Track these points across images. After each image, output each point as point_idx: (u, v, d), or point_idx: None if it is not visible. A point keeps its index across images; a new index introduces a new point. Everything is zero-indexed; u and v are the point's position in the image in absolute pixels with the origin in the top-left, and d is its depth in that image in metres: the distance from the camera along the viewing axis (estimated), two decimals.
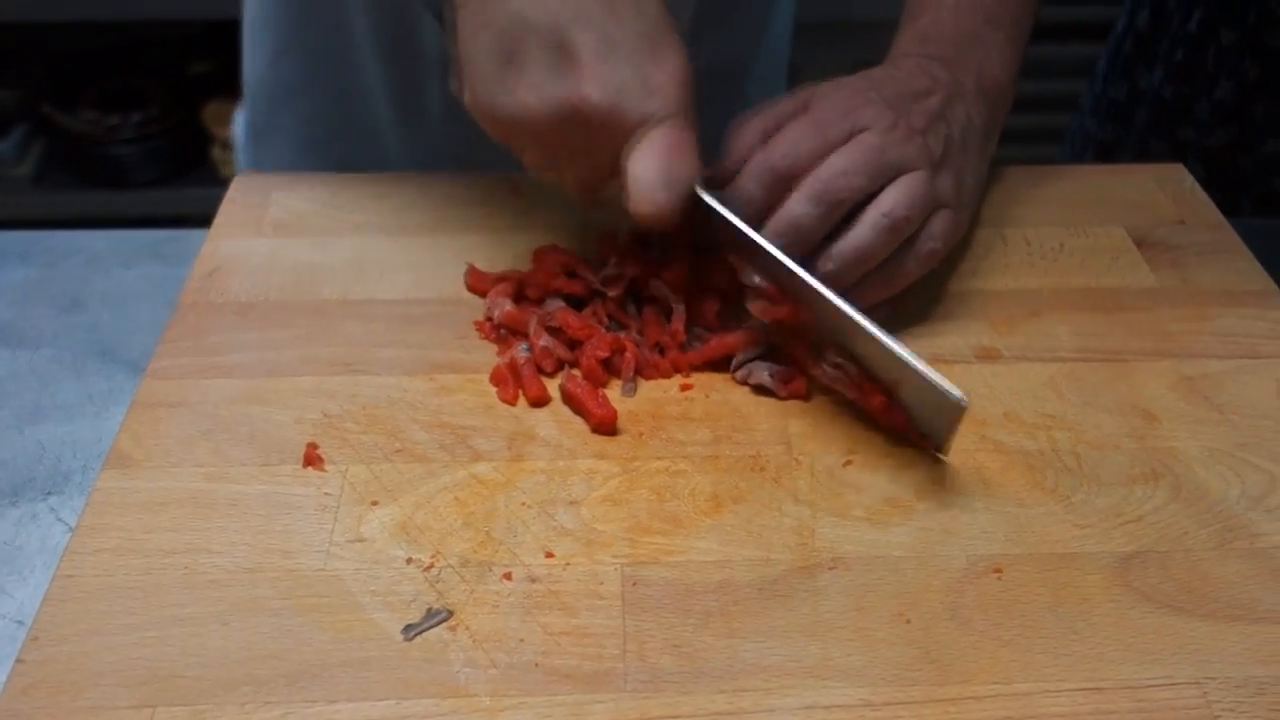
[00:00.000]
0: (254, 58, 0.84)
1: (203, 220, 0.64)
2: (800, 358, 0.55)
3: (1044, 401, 0.55)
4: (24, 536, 0.51)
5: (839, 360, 0.53)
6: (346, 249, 0.63)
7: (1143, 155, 0.94)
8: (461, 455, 0.51)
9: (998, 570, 0.47)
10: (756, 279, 0.55)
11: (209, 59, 2.11)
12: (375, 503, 0.49)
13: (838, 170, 0.54)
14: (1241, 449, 0.52)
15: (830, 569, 0.47)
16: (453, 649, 0.43)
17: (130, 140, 2.01)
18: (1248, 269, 0.63)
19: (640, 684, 0.42)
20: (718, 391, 0.55)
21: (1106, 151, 0.99)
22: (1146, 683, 0.43)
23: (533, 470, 0.51)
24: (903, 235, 0.55)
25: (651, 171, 0.51)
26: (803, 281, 0.52)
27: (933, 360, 0.56)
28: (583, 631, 0.44)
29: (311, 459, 0.51)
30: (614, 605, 0.45)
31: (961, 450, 0.52)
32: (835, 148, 0.55)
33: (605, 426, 0.52)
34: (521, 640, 0.44)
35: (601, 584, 0.46)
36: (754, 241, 0.53)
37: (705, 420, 0.54)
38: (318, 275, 0.61)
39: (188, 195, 1.99)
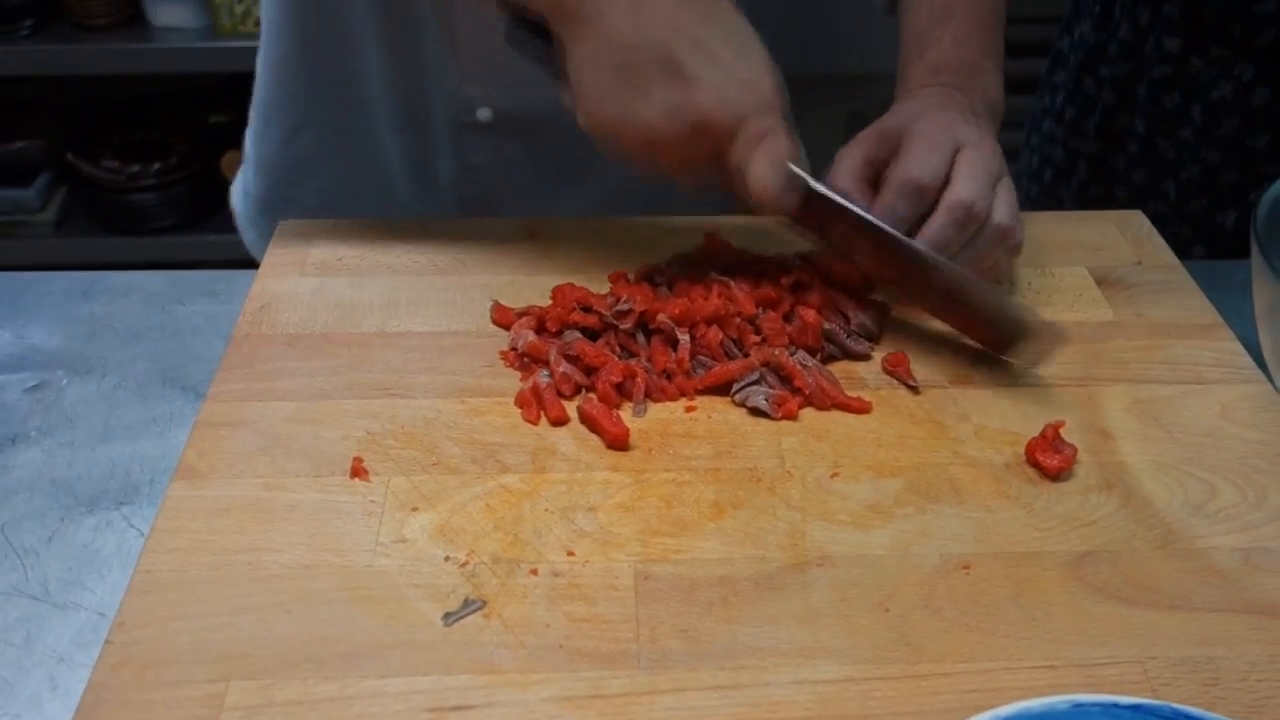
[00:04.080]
0: (266, 136, 0.89)
1: (221, 264, 0.69)
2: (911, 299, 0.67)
3: (1011, 421, 0.61)
4: (100, 541, 0.57)
5: (948, 302, 0.64)
6: (383, 287, 0.70)
7: (1078, 89, 1.05)
8: (491, 468, 0.58)
9: (967, 567, 0.53)
10: (866, 247, 0.64)
11: (227, 110, 2.19)
12: (415, 509, 0.55)
13: (970, 196, 0.62)
14: (1185, 463, 0.59)
15: (819, 566, 0.53)
16: (487, 633, 0.49)
17: (150, 188, 2.08)
18: (1197, 305, 0.70)
19: (651, 663, 0.48)
20: (718, 413, 0.61)
21: (1056, 86, 1.09)
22: (1095, 662, 0.49)
23: (554, 481, 0.57)
24: (1009, 240, 0.65)
25: (774, 176, 0.60)
26: (904, 243, 0.62)
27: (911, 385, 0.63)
28: (601, 618, 0.50)
29: (358, 471, 0.57)
30: (628, 596, 0.51)
31: (937, 464, 0.58)
32: (948, 161, 0.63)
33: (618, 443, 0.59)
34: (547, 625, 0.50)
35: (617, 578, 0.52)
36: (863, 218, 0.62)
37: (707, 438, 0.60)
38: (357, 310, 0.68)
39: (205, 241, 2.06)
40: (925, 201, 0.63)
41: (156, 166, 2.08)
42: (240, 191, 0.97)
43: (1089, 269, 0.73)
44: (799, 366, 0.62)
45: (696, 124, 0.58)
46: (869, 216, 0.63)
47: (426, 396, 0.62)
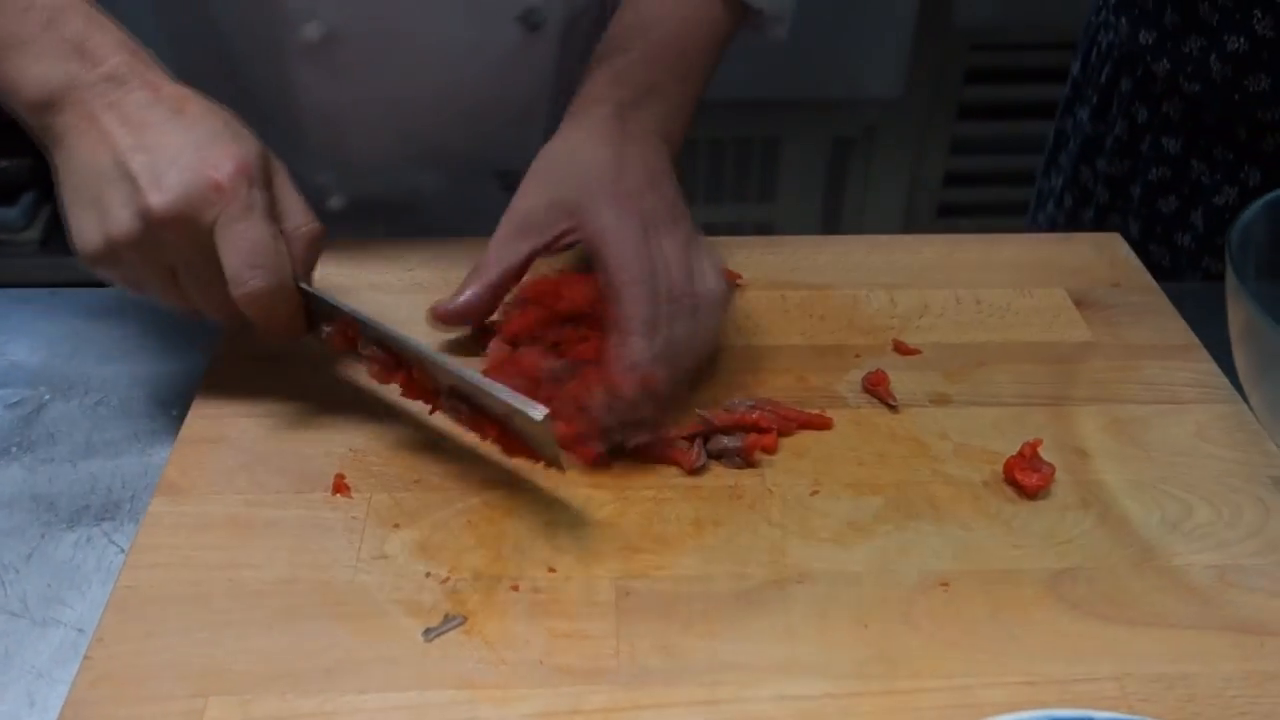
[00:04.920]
0: None
1: None
2: (430, 402, 0.59)
3: (989, 440, 0.61)
4: (81, 557, 0.57)
5: (455, 403, 0.57)
6: (367, 306, 0.70)
7: (1075, 178, 1.04)
8: (473, 485, 0.58)
9: (945, 584, 0.53)
10: (371, 349, 0.59)
11: None
12: (397, 525, 0.55)
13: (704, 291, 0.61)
14: (1162, 482, 0.59)
15: (798, 582, 0.53)
16: (467, 649, 0.50)
17: None
18: (1174, 327, 0.71)
19: (631, 678, 0.48)
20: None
21: (1060, 168, 1.08)
22: (1072, 678, 0.49)
23: (536, 498, 0.57)
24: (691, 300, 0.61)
25: (236, 261, 0.55)
26: (408, 347, 0.57)
27: (891, 406, 0.63)
28: (581, 634, 0.50)
29: (340, 487, 0.57)
30: (608, 612, 0.51)
31: (916, 482, 0.59)
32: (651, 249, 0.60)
33: (598, 462, 0.58)
34: (527, 641, 0.50)
35: (597, 594, 0.52)
36: (363, 319, 0.59)
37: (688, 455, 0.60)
38: None
39: None
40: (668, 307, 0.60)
41: None
42: None
43: (1067, 290, 0.73)
44: (750, 410, 0.62)
45: (150, 224, 0.53)
46: (368, 316, 0.59)
47: (409, 414, 0.62)
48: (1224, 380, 0.66)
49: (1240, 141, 0.89)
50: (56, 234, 2.12)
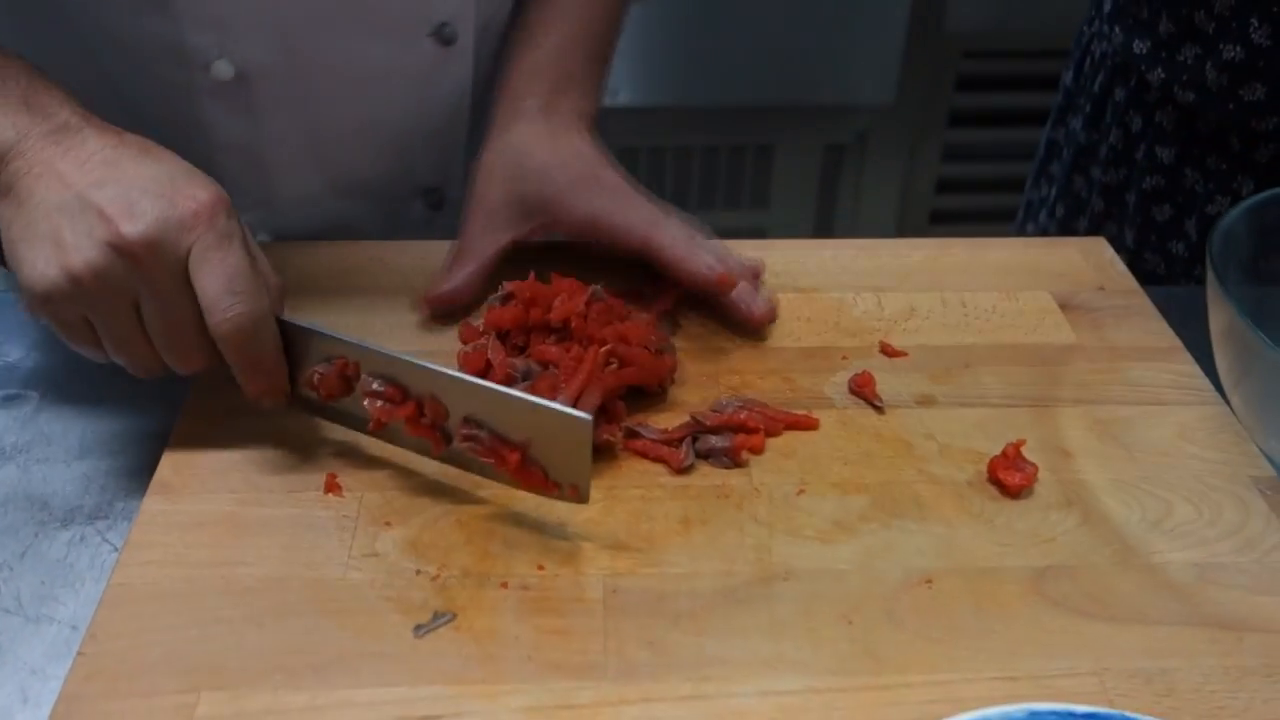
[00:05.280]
0: None
1: None
2: (433, 441, 0.57)
3: (973, 440, 0.62)
4: (74, 555, 0.57)
5: (472, 432, 0.56)
6: (356, 307, 0.71)
7: (1068, 187, 1.04)
8: (463, 485, 0.58)
9: (929, 581, 0.54)
10: (375, 384, 0.57)
11: None
12: (388, 524, 0.56)
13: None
14: (1144, 481, 0.60)
15: (784, 580, 0.54)
16: (456, 645, 0.50)
17: None
18: (1158, 329, 0.71)
19: (619, 673, 0.49)
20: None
21: (1052, 177, 1.08)
22: (1053, 673, 0.50)
23: (525, 497, 0.58)
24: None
25: (216, 285, 0.54)
26: (425, 372, 0.56)
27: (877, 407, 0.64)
28: (569, 631, 0.51)
29: (331, 486, 0.58)
30: (596, 609, 0.52)
31: (901, 481, 0.59)
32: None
33: None
34: (516, 638, 0.51)
35: (585, 591, 0.53)
36: (364, 348, 0.57)
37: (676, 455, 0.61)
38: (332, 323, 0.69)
39: None
40: None
41: None
42: None
43: (1053, 294, 0.74)
44: (738, 410, 0.62)
45: (120, 254, 0.52)
46: (372, 345, 0.57)
47: None
48: (1206, 382, 0.67)
49: (1234, 151, 0.90)
50: None
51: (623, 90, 1.91)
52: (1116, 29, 0.96)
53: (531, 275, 0.66)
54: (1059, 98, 1.09)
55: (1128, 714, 0.45)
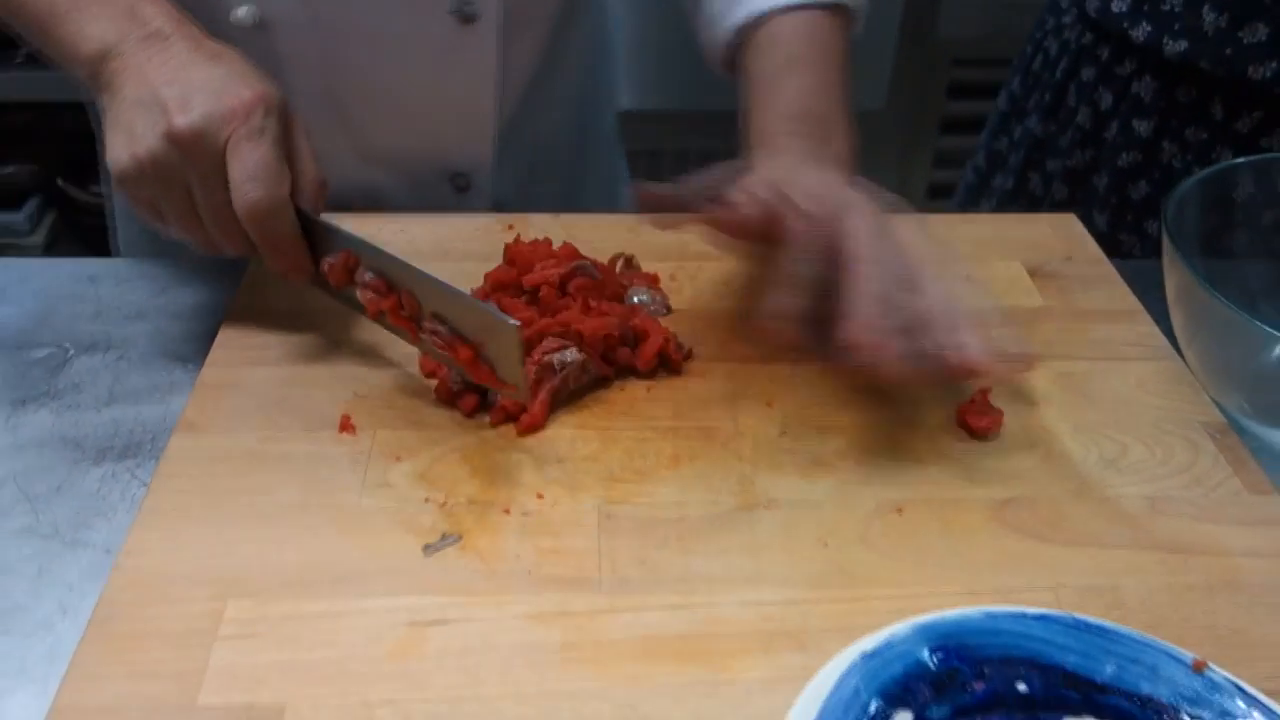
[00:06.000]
0: None
1: None
2: (410, 332, 0.63)
3: (945, 391, 0.67)
4: (106, 489, 0.62)
5: (435, 326, 0.62)
6: None
7: (1020, 188, 1.07)
8: (469, 426, 0.63)
9: (900, 509, 0.58)
10: (368, 276, 0.64)
11: None
12: (399, 458, 0.60)
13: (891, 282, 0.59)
14: (1102, 426, 0.64)
15: (766, 508, 0.58)
16: (462, 561, 0.54)
17: None
18: (1120, 294, 0.76)
19: (612, 586, 0.53)
20: (679, 388, 0.67)
21: (992, 191, 1.11)
22: (1012, 588, 0.54)
23: (527, 437, 0.62)
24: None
25: (240, 175, 0.61)
26: (406, 269, 0.62)
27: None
28: (566, 550, 0.55)
29: (346, 426, 0.62)
30: (591, 532, 0.56)
31: (875, 425, 0.64)
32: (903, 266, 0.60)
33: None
34: (518, 556, 0.55)
35: (582, 517, 0.57)
36: (362, 243, 0.64)
37: (668, 404, 0.65)
38: None
39: None
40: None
41: None
42: None
43: (1023, 263, 0.79)
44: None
45: (172, 142, 0.60)
46: (370, 241, 0.64)
47: (411, 365, 0.67)
48: (1164, 341, 0.71)
49: (1215, 121, 0.91)
50: (61, 239, 2.18)
51: (621, 95, 1.96)
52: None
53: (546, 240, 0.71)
54: (999, 108, 1.11)
55: (1076, 615, 0.50)
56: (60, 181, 2.15)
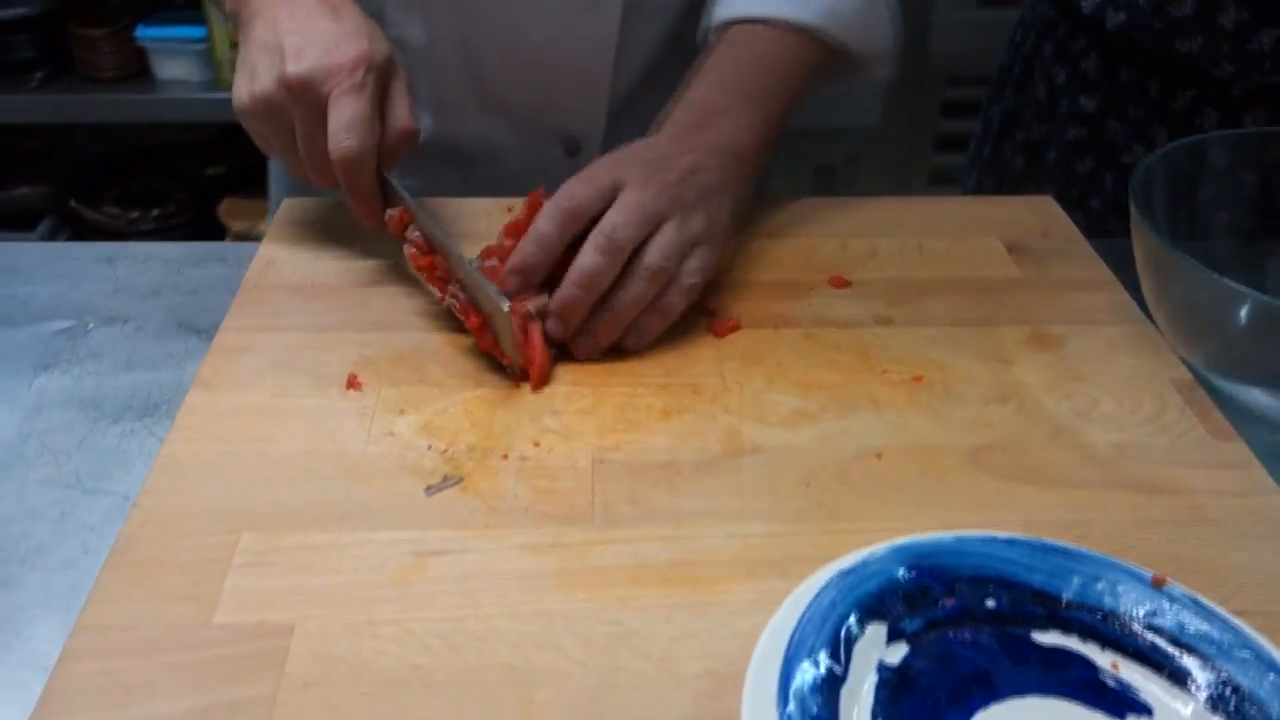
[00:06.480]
0: None
1: None
2: (441, 291, 0.69)
3: (925, 352, 0.70)
4: (125, 444, 0.65)
5: (457, 292, 0.68)
6: (380, 248, 0.79)
7: (996, 157, 1.10)
8: (469, 383, 0.66)
9: (879, 455, 0.61)
10: (415, 234, 0.70)
11: (223, 163, 2.30)
12: (403, 411, 0.63)
13: (615, 224, 0.65)
14: (1075, 380, 0.67)
15: (751, 454, 0.61)
16: (463, 501, 0.57)
17: (149, 233, 2.18)
18: (1095, 267, 0.79)
19: (604, 522, 0.56)
20: (669, 346, 0.70)
21: (982, 159, 1.14)
22: (986, 524, 0.57)
23: (523, 393, 0.65)
24: (663, 281, 0.67)
25: (335, 124, 0.68)
26: (437, 235, 0.69)
27: (840, 324, 0.72)
28: (561, 490, 0.58)
29: (352, 383, 0.65)
30: (585, 475, 0.59)
31: (858, 383, 0.67)
32: (605, 195, 0.67)
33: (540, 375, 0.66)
34: (515, 495, 0.58)
35: (577, 462, 0.60)
36: (423, 210, 0.70)
37: (658, 362, 0.68)
38: (356, 266, 0.77)
39: None
40: (573, 227, 0.67)
41: (155, 213, 2.19)
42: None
43: (1001, 239, 0.82)
44: None
45: (282, 87, 0.68)
46: (420, 207, 0.70)
47: (416, 331, 0.70)
48: (1137, 309, 0.74)
49: (1151, 99, 0.94)
50: None
51: None
52: None
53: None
54: (991, 87, 1.15)
55: (1044, 539, 0.52)
56: (73, 203, 2.20)
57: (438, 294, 0.69)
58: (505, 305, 0.63)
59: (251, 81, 0.70)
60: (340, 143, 0.68)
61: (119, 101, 2.04)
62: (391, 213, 0.72)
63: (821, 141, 2.23)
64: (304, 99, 0.68)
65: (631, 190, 0.67)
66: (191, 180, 2.27)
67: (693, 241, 0.69)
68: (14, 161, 2.19)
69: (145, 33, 2.02)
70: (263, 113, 0.70)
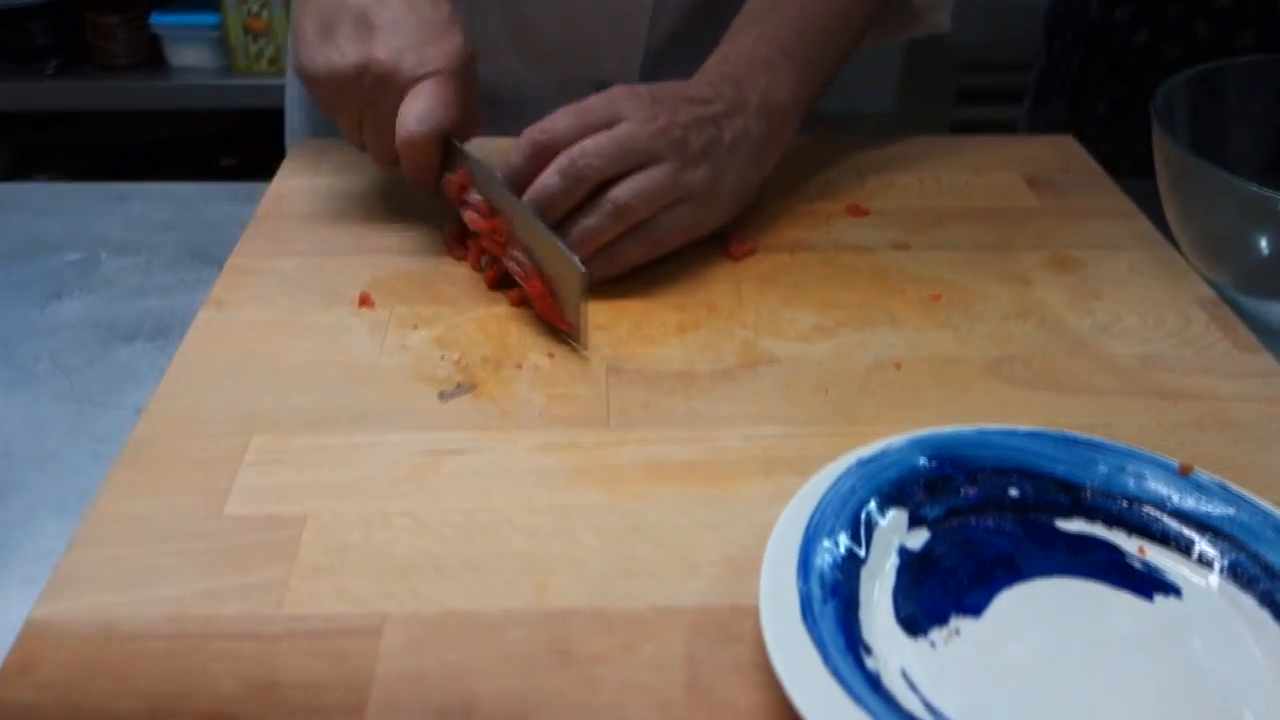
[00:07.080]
0: None
1: None
2: (497, 252, 0.65)
3: (943, 274, 0.69)
4: (136, 363, 0.64)
5: (519, 256, 0.64)
6: (391, 181, 0.78)
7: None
8: (482, 301, 0.65)
9: (898, 365, 0.60)
10: (475, 197, 0.66)
11: (237, 154, 2.31)
12: (415, 326, 0.63)
13: (584, 151, 0.63)
14: (1095, 299, 0.66)
15: (768, 365, 0.60)
16: (477, 406, 0.57)
17: None
18: (1116, 198, 0.78)
19: (619, 424, 0.56)
20: (684, 264, 0.69)
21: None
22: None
23: (536, 313, 0.65)
24: (629, 222, 0.64)
25: (410, 110, 0.64)
26: (505, 196, 0.64)
27: (857, 249, 0.71)
28: (576, 396, 0.58)
29: (365, 301, 0.65)
30: (600, 382, 0.59)
31: (876, 302, 0.66)
32: (590, 130, 0.64)
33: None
34: (529, 401, 0.57)
35: (591, 371, 0.59)
36: (485, 172, 0.66)
37: (674, 282, 0.67)
38: (367, 198, 0.76)
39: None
40: (541, 161, 0.65)
41: None
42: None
43: (1021, 173, 0.81)
44: None
45: (367, 68, 0.65)
46: (487, 167, 0.66)
47: (427, 254, 0.70)
48: (1160, 236, 0.73)
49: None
50: None
51: None
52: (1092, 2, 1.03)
53: None
54: (1034, 84, 1.15)
55: (1065, 431, 0.51)
56: None
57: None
58: (581, 267, 0.60)
59: (330, 50, 0.66)
60: (409, 129, 0.64)
61: (133, 89, 2.05)
62: (450, 177, 0.68)
63: (836, 127, 2.22)
64: (383, 85, 0.65)
65: (626, 125, 0.64)
66: (206, 171, 2.28)
67: (684, 194, 0.66)
68: (29, 149, 2.21)
69: (160, 19, 2.03)
70: (336, 85, 0.66)
